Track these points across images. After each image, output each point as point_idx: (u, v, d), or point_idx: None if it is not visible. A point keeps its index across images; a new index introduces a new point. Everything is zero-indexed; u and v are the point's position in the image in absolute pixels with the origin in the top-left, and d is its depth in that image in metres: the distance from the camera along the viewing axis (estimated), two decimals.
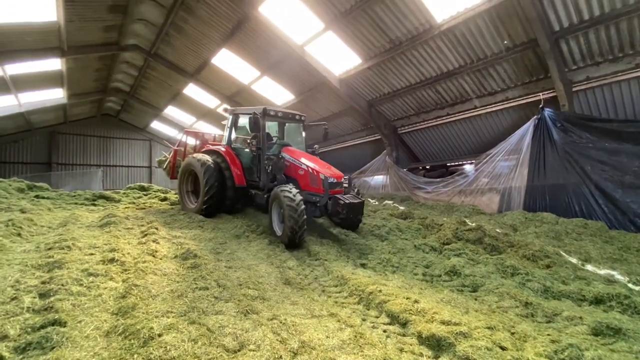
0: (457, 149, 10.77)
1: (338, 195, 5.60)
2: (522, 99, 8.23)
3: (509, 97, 8.48)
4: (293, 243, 4.96)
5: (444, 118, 10.18)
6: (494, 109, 8.91)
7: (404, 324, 2.68)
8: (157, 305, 2.64)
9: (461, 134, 10.28)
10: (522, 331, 2.60)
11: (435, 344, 2.35)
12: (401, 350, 2.35)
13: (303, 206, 5.06)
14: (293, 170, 6.08)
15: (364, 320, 2.83)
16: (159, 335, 2.15)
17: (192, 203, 7.00)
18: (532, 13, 6.31)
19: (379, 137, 12.16)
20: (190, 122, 20.73)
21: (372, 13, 8.17)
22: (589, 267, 4.59)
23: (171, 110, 20.50)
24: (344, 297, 3.39)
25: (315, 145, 7.46)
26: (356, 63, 10.06)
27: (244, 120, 7.10)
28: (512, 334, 2.59)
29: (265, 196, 6.05)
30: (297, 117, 7.02)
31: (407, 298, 3.02)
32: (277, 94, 13.73)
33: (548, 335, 2.54)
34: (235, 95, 15.20)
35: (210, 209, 6.36)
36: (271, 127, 7.24)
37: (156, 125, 23.66)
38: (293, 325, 2.54)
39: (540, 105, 7.60)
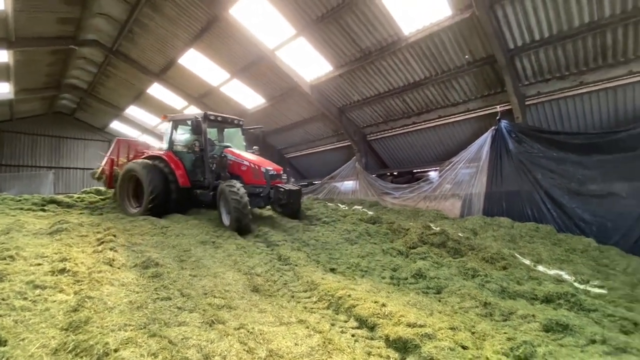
0: (423, 156, 11.22)
1: (279, 185, 6.62)
2: (482, 111, 8.77)
3: (469, 108, 9.00)
4: (240, 229, 5.68)
5: (410, 126, 10.57)
6: (456, 119, 9.41)
7: (372, 328, 2.71)
8: (113, 318, 2.46)
9: (426, 142, 10.73)
10: (482, 330, 2.73)
11: (402, 346, 2.40)
12: (369, 354, 2.37)
13: (247, 198, 5.83)
14: (236, 167, 6.91)
15: (333, 325, 2.83)
16: (115, 351, 2.01)
17: (134, 208, 7.11)
18: (490, 31, 6.77)
19: (349, 143, 12.37)
20: (154, 123, 19.85)
21: (343, 22, 8.35)
22: (540, 267, 4.94)
23: (134, 111, 19.50)
24: (313, 303, 3.38)
25: (255, 147, 8.13)
26: (327, 70, 10.20)
27: (183, 127, 7.83)
28: (473, 333, 2.71)
29: (211, 193, 6.73)
30: (235, 121, 7.91)
31: (375, 302, 3.06)
32: (248, 98, 13.55)
33: (505, 333, 2.68)
34: (204, 97, 14.79)
35: (156, 210, 6.50)
36: (211, 132, 7.90)
37: (117, 125, 22.38)
38: (261, 333, 2.49)
39: (498, 117, 8.15)
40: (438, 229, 6.22)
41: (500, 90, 8.17)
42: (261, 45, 9.95)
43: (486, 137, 8.28)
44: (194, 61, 12.60)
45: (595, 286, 4.35)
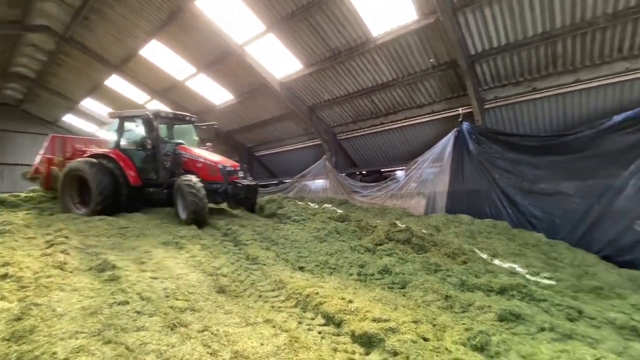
0: (390, 155, 11.53)
1: (237, 180, 6.80)
2: (445, 113, 9.16)
3: (434, 110, 9.37)
4: (198, 222, 5.78)
5: (378, 127, 10.81)
6: (421, 120, 9.76)
7: (338, 324, 2.74)
8: (63, 326, 2.29)
9: (394, 142, 11.03)
10: (442, 322, 2.86)
11: (367, 341, 2.45)
12: (335, 350, 2.40)
13: (204, 191, 5.97)
14: (191, 164, 7.00)
15: (300, 323, 2.83)
16: None
17: (80, 209, 6.74)
18: (453, 37, 7.08)
19: (320, 142, 12.41)
20: None
21: (313, 21, 8.35)
22: (496, 261, 5.25)
23: (89, 104, 18.23)
24: (281, 302, 3.35)
25: (208, 144, 8.25)
26: (297, 68, 10.15)
27: (130, 124, 7.68)
28: (434, 325, 2.83)
29: (165, 191, 6.77)
30: (187, 118, 7.93)
31: (342, 298, 3.10)
32: (215, 93, 13.15)
33: (463, 324, 2.83)
34: (168, 91, 14.16)
35: (105, 211, 6.22)
36: (162, 129, 7.73)
37: (70, 119, 20.83)
38: (226, 335, 2.43)
39: (460, 119, 8.55)
40: (404, 226, 6.41)
41: (462, 93, 8.57)
42: (229, 40, 9.69)
43: (449, 138, 8.67)
44: (157, 53, 12.01)
45: (545, 278, 4.71)
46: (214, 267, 4.04)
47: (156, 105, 15.57)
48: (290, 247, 5.31)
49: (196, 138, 8.20)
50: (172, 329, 2.48)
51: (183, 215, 6.13)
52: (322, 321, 2.85)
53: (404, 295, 3.71)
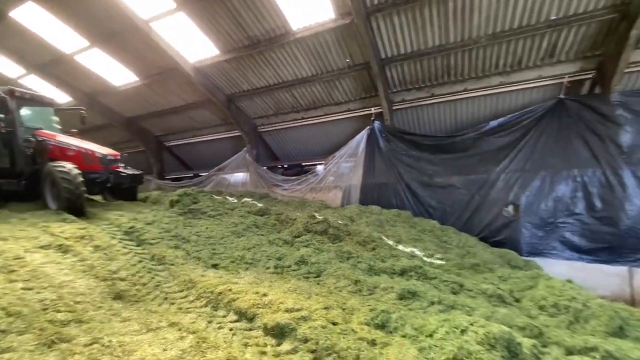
0: (311, 150, 11.79)
1: (119, 170, 6.71)
2: (360, 111, 9.75)
3: (350, 108, 9.89)
4: (73, 210, 5.45)
5: (299, 121, 10.93)
6: (339, 117, 10.20)
7: (251, 319, 2.70)
8: None
9: (314, 137, 11.30)
10: (351, 306, 3.06)
11: (280, 332, 2.47)
12: (246, 345, 2.36)
13: (81, 178, 5.62)
14: (59, 152, 6.43)
15: (210, 322, 2.70)
16: None
17: None
18: (366, 39, 7.54)
19: (239, 133, 11.95)
20: None
21: (230, 5, 7.92)
22: (400, 247, 5.85)
23: None
24: (190, 302, 3.15)
25: (74, 130, 7.64)
26: (213, 53, 9.52)
27: None
28: (344, 309, 3.01)
29: (24, 182, 6.21)
30: (47, 100, 7.29)
31: (256, 293, 3.06)
32: (114, 72, 11.47)
33: (369, 305, 3.08)
34: (50, 65, 11.82)
35: None
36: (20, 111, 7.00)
37: None
38: (120, 345, 2.17)
39: (372, 118, 9.24)
40: (321, 218, 6.65)
41: (374, 94, 9.23)
42: (130, 12, 8.52)
43: (362, 136, 9.30)
44: (36, 18, 9.88)
45: (437, 258, 5.44)
46: (110, 270, 3.57)
47: (35, 82, 12.88)
48: (203, 244, 5.02)
49: (58, 125, 7.47)
50: (49, 347, 2.11)
51: (53, 205, 5.77)
52: (234, 317, 2.77)
53: (318, 284, 3.85)
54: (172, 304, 3.13)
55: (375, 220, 7.16)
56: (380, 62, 8.19)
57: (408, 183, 8.37)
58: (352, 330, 2.49)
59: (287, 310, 2.67)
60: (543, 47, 7.13)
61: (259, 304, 2.85)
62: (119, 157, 6.99)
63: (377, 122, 9.14)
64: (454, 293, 3.85)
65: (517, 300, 3.72)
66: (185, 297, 3.26)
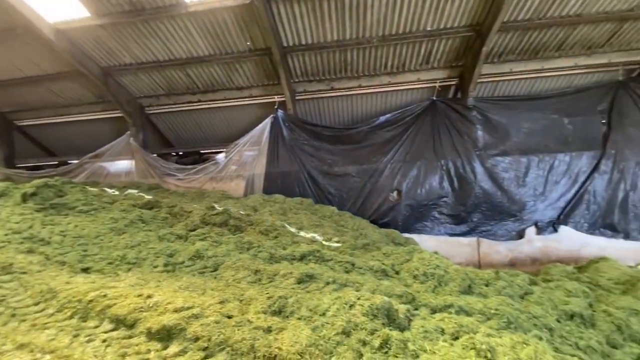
0: (211, 136, 11.01)
1: None
2: (263, 99, 9.54)
3: (252, 94, 9.58)
4: None
5: (196, 104, 10.04)
6: (241, 103, 9.77)
7: (131, 325, 2.38)
8: None
9: (214, 122, 10.58)
10: (249, 296, 3.01)
11: (166, 334, 2.25)
12: (124, 355, 2.07)
13: None
14: None
15: (75, 337, 2.27)
16: None
17: None
18: (267, 24, 7.34)
19: (121, 114, 10.28)
20: None
21: None
22: (302, 233, 6.04)
23: None
24: (48, 316, 2.59)
25: None
26: (82, 15, 7.83)
27: None
28: (241, 301, 2.94)
29: None
30: None
31: (139, 295, 2.71)
32: None
33: (267, 293, 3.07)
34: None
35: None
36: None
37: None
38: None
39: (276, 107, 9.17)
40: (222, 209, 6.33)
41: (277, 82, 9.14)
42: None
43: (266, 124, 9.16)
44: None
45: (335, 242, 5.82)
46: None
47: None
48: (70, 245, 4.20)
49: None
50: None
51: None
52: (109, 327, 2.40)
53: (215, 278, 3.67)
54: (23, 320, 2.52)
55: (279, 209, 7.21)
56: (282, 50, 8.13)
57: (310, 172, 8.67)
58: (248, 320, 2.44)
59: (175, 310, 2.45)
60: (421, 54, 8.23)
61: (142, 307, 2.53)
62: None
63: (280, 111, 9.12)
64: (347, 272, 4.18)
65: (397, 273, 4.28)
66: (42, 310, 2.66)
